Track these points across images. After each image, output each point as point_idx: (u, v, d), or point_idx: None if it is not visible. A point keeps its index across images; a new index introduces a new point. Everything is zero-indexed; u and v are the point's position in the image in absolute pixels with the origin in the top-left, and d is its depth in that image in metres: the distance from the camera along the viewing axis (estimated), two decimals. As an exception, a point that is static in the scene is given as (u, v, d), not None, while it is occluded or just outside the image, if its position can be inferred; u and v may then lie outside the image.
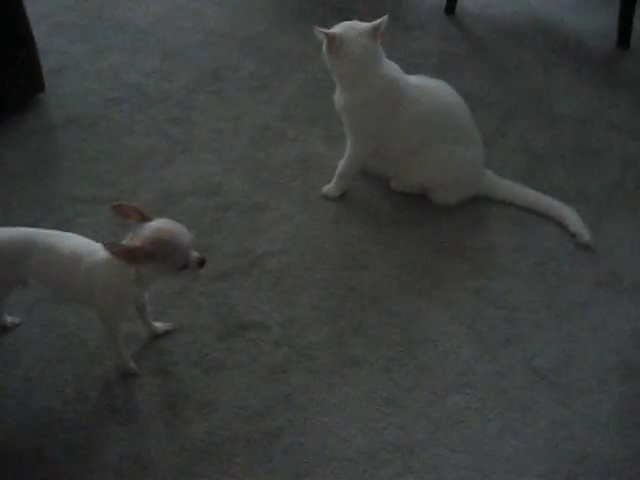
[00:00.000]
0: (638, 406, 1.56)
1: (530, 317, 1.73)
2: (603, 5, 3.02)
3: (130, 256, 1.35)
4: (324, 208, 1.98)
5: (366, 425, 1.50)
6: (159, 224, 1.40)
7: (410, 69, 2.00)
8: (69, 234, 1.52)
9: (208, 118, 2.27)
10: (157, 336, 1.64)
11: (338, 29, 1.86)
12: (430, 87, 1.96)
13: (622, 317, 1.74)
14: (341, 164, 2.00)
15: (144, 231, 1.38)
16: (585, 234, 1.90)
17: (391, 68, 1.92)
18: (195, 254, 1.43)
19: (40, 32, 2.38)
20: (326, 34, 1.83)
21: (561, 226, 1.94)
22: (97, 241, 1.49)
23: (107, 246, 1.36)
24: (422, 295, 1.77)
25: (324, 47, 1.87)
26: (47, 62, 2.36)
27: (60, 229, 1.83)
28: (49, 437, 1.46)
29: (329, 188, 2.01)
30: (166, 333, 1.64)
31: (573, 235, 1.92)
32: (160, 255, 1.37)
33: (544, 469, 1.45)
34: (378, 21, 1.85)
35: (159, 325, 1.64)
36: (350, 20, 1.90)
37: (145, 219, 1.41)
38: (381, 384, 1.57)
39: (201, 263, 1.43)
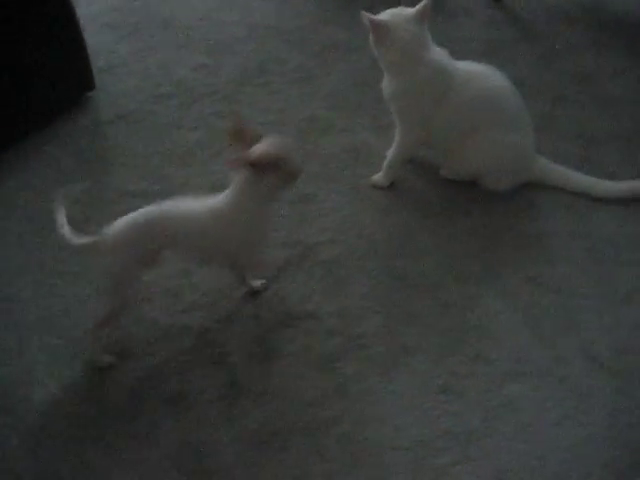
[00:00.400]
0: (703, 392, 1.51)
1: (586, 303, 1.69)
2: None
3: (263, 161, 1.50)
4: (373, 198, 1.97)
5: (421, 414, 1.49)
6: (271, 138, 1.56)
7: (457, 56, 1.96)
8: (184, 198, 1.61)
9: (255, 111, 2.27)
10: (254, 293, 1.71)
11: (384, 16, 1.84)
12: (479, 72, 1.93)
13: (683, 302, 1.69)
14: (390, 153, 1.99)
15: (261, 145, 1.53)
16: None
17: (439, 54, 1.89)
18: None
19: (90, 32, 2.41)
20: (372, 22, 1.81)
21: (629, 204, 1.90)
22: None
23: (250, 155, 1.50)
24: (475, 283, 1.74)
25: (370, 35, 1.86)
26: (96, 61, 2.40)
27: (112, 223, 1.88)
28: (108, 426, 1.49)
29: (378, 177, 2.00)
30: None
31: None
32: (283, 160, 1.53)
33: (605, 458, 1.42)
34: (422, 4, 1.83)
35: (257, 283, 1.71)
36: (395, 7, 1.88)
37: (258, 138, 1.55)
38: (436, 372, 1.55)
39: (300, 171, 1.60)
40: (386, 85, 1.94)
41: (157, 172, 2.06)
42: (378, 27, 1.82)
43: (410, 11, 1.84)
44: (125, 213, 1.89)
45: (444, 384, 1.53)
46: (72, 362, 1.60)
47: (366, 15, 1.82)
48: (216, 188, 1.96)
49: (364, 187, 2.00)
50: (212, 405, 1.51)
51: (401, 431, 1.46)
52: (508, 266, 1.79)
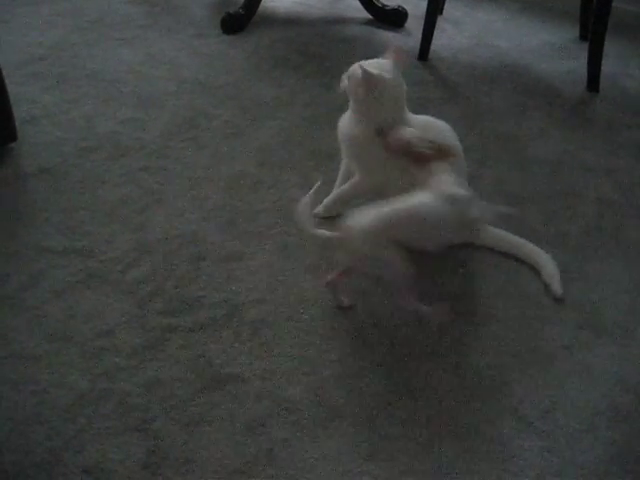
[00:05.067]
0: (628, 451, 1.53)
1: (514, 362, 1.70)
2: (570, 50, 3.09)
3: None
4: (302, 256, 1.95)
5: (352, 479, 1.45)
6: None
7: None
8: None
9: (183, 167, 2.24)
10: None
11: (374, 70, 1.81)
12: (434, 128, 1.94)
13: (607, 359, 1.72)
14: (342, 188, 2.02)
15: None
16: (557, 287, 1.88)
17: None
18: None
19: (13, 82, 2.35)
20: (367, 74, 1.78)
21: (537, 273, 1.94)
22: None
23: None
24: (404, 343, 1.73)
25: (353, 84, 1.83)
26: (19, 111, 2.34)
27: (32, 281, 1.81)
28: (19, 502, 1.39)
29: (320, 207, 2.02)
30: None
31: (546, 285, 1.90)
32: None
33: (535, 521, 1.41)
34: (395, 52, 1.87)
35: None
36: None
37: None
38: (366, 436, 1.52)
39: None
40: (349, 127, 1.91)
41: (80, 228, 1.99)
42: (375, 81, 1.80)
43: (388, 63, 1.85)
44: (46, 270, 1.84)
45: (374, 448, 1.50)
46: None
47: (364, 69, 1.78)
48: (140, 245, 1.94)
49: (293, 244, 1.98)
50: (133, 475, 1.43)
51: (331, 498, 1.42)
52: (437, 326, 1.79)
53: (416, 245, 1.75)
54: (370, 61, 1.87)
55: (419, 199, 1.75)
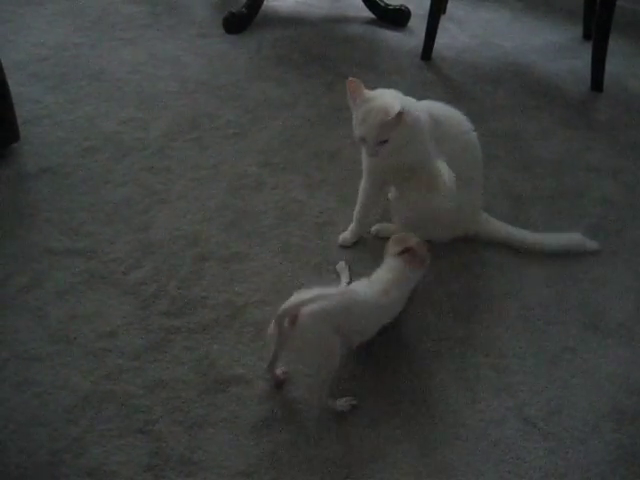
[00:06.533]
0: (633, 453, 1.52)
1: (518, 364, 1.70)
2: (574, 50, 3.08)
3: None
4: (305, 257, 1.94)
5: (355, 482, 1.44)
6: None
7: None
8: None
9: (186, 167, 2.24)
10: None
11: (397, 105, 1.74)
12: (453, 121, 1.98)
13: (612, 361, 1.72)
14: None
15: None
16: (593, 243, 2.01)
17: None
18: None
19: (15, 82, 2.34)
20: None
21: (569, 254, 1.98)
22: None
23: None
24: (407, 344, 1.73)
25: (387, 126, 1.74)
26: (22, 112, 2.33)
27: (34, 282, 1.80)
28: (21, 504, 1.39)
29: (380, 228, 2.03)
30: None
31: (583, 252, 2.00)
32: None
33: (540, 524, 1.40)
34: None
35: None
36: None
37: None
38: (369, 438, 1.51)
39: None
40: (387, 162, 1.86)
41: (82, 229, 1.98)
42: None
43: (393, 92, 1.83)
44: (48, 271, 1.83)
45: (377, 450, 1.49)
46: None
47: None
48: (143, 246, 1.93)
49: (295, 245, 1.97)
50: (136, 477, 1.43)
51: (334, 501, 1.41)
52: (440, 326, 1.78)
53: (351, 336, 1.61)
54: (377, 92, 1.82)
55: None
